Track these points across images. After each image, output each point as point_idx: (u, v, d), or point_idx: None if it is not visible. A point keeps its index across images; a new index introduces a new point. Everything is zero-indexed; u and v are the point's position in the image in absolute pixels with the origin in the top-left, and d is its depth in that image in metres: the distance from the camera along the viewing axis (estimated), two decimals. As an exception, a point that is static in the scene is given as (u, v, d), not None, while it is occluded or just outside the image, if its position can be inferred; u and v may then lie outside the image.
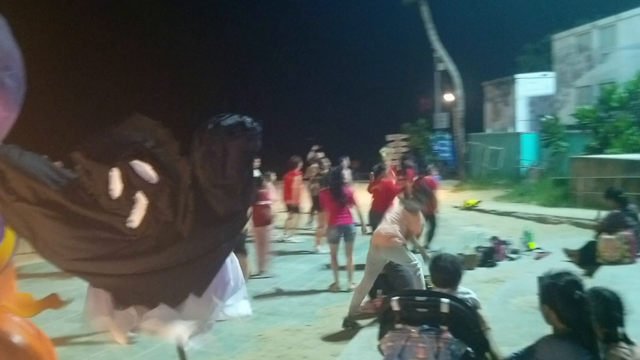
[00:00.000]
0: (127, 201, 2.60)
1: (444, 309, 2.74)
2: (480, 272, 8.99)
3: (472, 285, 8.12)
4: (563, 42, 23.66)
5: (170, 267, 2.75)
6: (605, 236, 7.86)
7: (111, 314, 2.82)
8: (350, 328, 6.66)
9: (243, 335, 6.58)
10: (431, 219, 11.21)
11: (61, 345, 6.11)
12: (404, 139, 26.99)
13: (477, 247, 9.71)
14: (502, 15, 34.00)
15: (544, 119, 21.97)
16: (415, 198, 7.32)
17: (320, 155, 14.45)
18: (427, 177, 11.72)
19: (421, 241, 11.21)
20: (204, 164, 2.67)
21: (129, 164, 2.60)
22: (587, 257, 8.23)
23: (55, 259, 2.75)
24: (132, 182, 2.60)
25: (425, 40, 26.69)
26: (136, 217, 2.60)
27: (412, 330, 2.71)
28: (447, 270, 3.60)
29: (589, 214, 14.04)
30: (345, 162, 13.41)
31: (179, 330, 2.95)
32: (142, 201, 2.61)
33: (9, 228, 2.77)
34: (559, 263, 8.80)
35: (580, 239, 11.21)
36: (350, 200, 9.04)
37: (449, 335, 2.69)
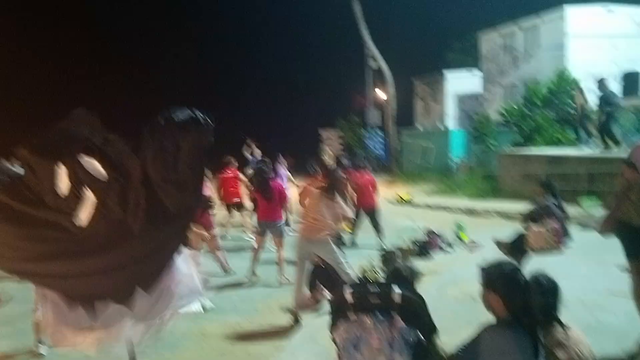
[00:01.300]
0: (74, 198, 2.54)
1: (396, 298, 2.82)
2: (417, 264, 9.19)
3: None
4: (489, 41, 24.49)
5: (120, 265, 2.70)
6: (534, 227, 8.22)
7: (63, 317, 2.74)
8: (293, 321, 6.70)
9: (184, 333, 6.49)
10: (371, 213, 11.41)
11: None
12: (340, 136, 27.29)
13: (413, 241, 9.94)
14: (431, 12, 34.71)
15: (475, 117, 22.67)
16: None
17: (258, 152, 14.40)
18: (360, 172, 11.89)
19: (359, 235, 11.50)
20: (155, 159, 2.64)
21: (77, 160, 2.54)
22: (517, 248, 8.58)
23: None
24: (80, 178, 2.54)
25: (358, 36, 27.01)
26: (83, 215, 2.54)
27: (367, 320, 2.78)
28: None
29: (516, 207, 14.72)
30: (282, 159, 13.46)
31: (128, 330, 2.91)
32: (89, 198, 2.56)
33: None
34: (490, 254, 9.16)
35: (508, 230, 11.72)
36: (280, 197, 9.09)
37: (401, 323, 2.77)
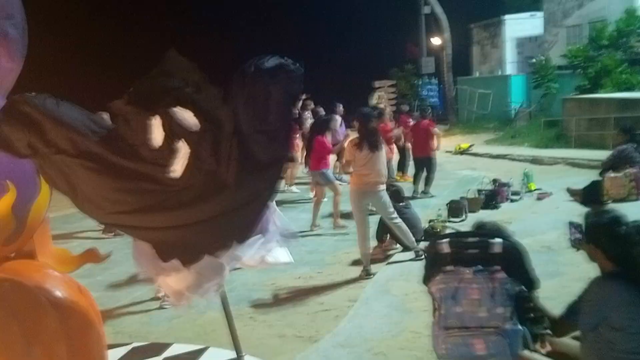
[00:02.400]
0: (169, 150, 2.49)
1: (496, 249, 2.70)
2: (484, 214, 9.00)
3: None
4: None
5: (214, 217, 2.66)
6: (611, 174, 7.88)
7: (156, 265, 2.75)
8: (364, 273, 6.68)
9: (256, 284, 6.57)
10: (427, 163, 11.23)
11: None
12: (391, 85, 26.76)
13: (479, 190, 9.73)
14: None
15: (533, 60, 21.81)
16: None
17: (311, 104, 14.26)
18: (424, 120, 11.68)
19: (420, 186, 11.35)
20: (246, 109, 2.55)
21: (170, 111, 2.48)
22: (591, 196, 8.27)
23: (96, 213, 2.65)
24: (173, 130, 2.48)
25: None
26: (178, 167, 2.49)
27: (466, 272, 2.67)
28: None
29: (584, 154, 14.23)
30: (339, 108, 13.29)
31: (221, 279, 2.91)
32: (183, 150, 2.50)
33: (47, 182, 2.65)
34: (562, 203, 8.88)
35: (577, 178, 11.32)
36: (320, 148, 9.41)
37: (502, 274, 2.65)
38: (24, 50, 3.07)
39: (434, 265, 2.81)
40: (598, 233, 2.83)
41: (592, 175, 11.50)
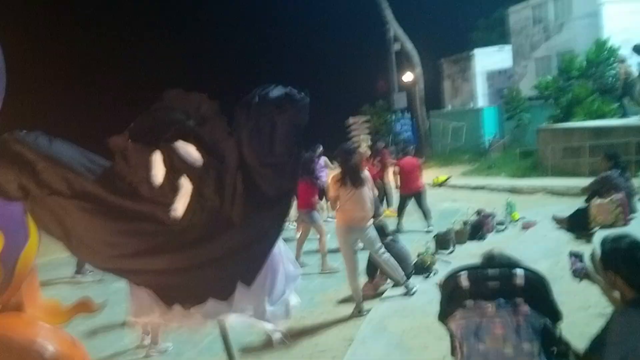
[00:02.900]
0: (171, 187, 2.33)
1: (519, 280, 2.57)
2: (472, 246, 8.94)
3: (468, 260, 8.09)
4: (518, 14, 23.91)
5: (219, 257, 2.49)
6: (598, 201, 7.87)
7: (155, 313, 2.56)
8: (357, 311, 6.50)
9: (245, 327, 6.31)
10: (419, 196, 11.23)
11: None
12: (365, 121, 26.91)
13: (465, 222, 9.66)
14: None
15: (505, 92, 22.19)
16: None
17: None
18: (410, 156, 11.71)
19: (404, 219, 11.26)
20: (251, 141, 2.42)
21: (172, 146, 2.33)
22: (577, 223, 8.25)
23: (93, 258, 2.46)
24: (175, 166, 2.33)
25: (374, 21, 26.55)
26: (180, 205, 2.33)
27: (488, 306, 2.53)
28: None
29: (561, 182, 14.33)
30: (320, 149, 13.24)
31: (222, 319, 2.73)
32: (186, 187, 2.34)
33: (37, 227, 2.46)
34: (548, 231, 8.83)
35: (559, 206, 11.34)
36: (306, 188, 9.20)
37: (526, 307, 2.52)
38: (2, 89, 2.90)
39: (451, 300, 2.66)
40: (619, 259, 2.71)
41: (572, 203, 11.57)
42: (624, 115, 15.83)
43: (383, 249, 6.83)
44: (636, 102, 15.33)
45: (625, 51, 15.92)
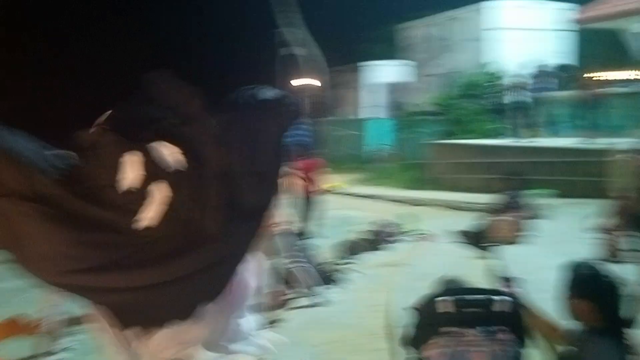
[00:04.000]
0: (142, 194, 1.96)
1: (499, 307, 2.44)
2: (373, 256, 8.97)
3: (371, 270, 8.11)
4: (410, 31, 24.71)
5: (190, 274, 2.14)
6: (498, 217, 8.14)
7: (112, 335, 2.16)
8: (269, 325, 6.22)
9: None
10: (312, 202, 11.09)
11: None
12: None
13: (367, 232, 9.69)
14: (346, 4, 34.61)
15: (399, 106, 22.85)
16: None
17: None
18: (306, 160, 11.58)
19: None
20: (235, 146, 2.10)
21: (149, 147, 1.96)
22: (476, 238, 8.47)
23: (46, 273, 2.02)
24: (150, 169, 1.96)
25: (267, 26, 26.32)
26: (148, 214, 1.97)
27: (469, 333, 2.38)
28: None
29: (450, 196, 14.88)
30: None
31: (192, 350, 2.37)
32: (158, 194, 1.98)
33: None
34: (446, 244, 9.04)
35: (449, 220, 11.74)
36: None
37: (508, 334, 2.40)
38: None
39: (427, 326, 2.48)
40: (595, 288, 2.67)
41: (463, 217, 11.97)
42: (508, 133, 16.80)
43: (292, 259, 6.63)
44: (514, 122, 16.24)
45: (515, 74, 16.85)
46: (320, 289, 6.89)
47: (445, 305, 2.44)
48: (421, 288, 6.51)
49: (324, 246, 9.42)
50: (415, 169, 19.39)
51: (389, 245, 9.64)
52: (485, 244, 8.13)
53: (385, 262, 8.56)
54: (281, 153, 2.30)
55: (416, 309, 2.59)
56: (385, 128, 24.86)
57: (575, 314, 2.73)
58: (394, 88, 26.87)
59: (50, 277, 2.03)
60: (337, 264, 7.83)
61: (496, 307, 2.44)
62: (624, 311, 2.72)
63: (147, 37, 37.38)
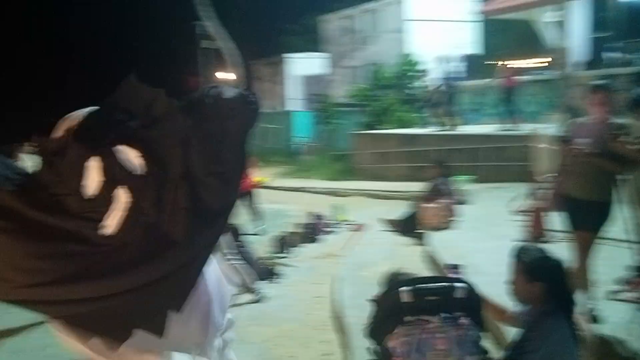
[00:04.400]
0: (104, 200, 1.90)
1: (459, 294, 2.54)
2: (308, 248, 9.03)
3: (308, 262, 8.17)
4: (331, 24, 24.89)
5: (153, 281, 2.09)
6: (426, 205, 8.40)
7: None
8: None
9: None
10: (250, 196, 11.07)
11: None
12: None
13: (299, 224, 9.74)
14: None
15: (318, 97, 23.00)
16: None
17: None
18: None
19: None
20: (199, 147, 2.07)
21: (111, 151, 1.90)
22: (407, 226, 8.74)
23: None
24: (113, 174, 1.91)
25: (186, 16, 25.83)
26: (112, 221, 1.92)
27: (432, 321, 2.47)
28: None
29: (375, 186, 15.17)
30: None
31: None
32: (121, 200, 1.93)
33: None
34: (378, 233, 9.24)
35: (379, 209, 11.98)
36: None
37: (466, 320, 2.50)
38: None
39: (390, 316, 2.55)
40: (550, 273, 2.82)
41: (391, 206, 12.29)
42: (426, 123, 17.33)
43: (233, 254, 6.57)
44: (432, 112, 16.79)
45: (432, 66, 17.36)
46: (262, 285, 6.88)
47: (408, 295, 2.52)
48: (360, 277, 6.70)
49: (259, 241, 9.42)
50: (340, 160, 19.62)
51: (322, 237, 9.73)
52: (417, 231, 8.43)
53: (321, 254, 8.63)
54: (245, 154, 2.29)
55: (378, 300, 2.65)
56: (309, 120, 25.02)
57: (525, 297, 2.88)
58: (316, 80, 27.03)
59: (6, 293, 1.93)
60: (274, 259, 7.84)
61: (457, 294, 2.55)
62: (569, 291, 2.91)
63: (68, 29, 35.85)
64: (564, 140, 4.62)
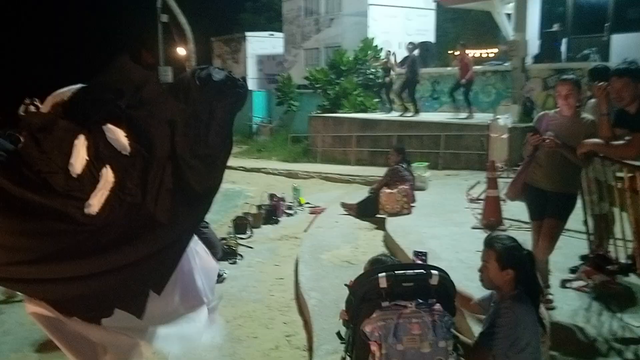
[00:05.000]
0: (90, 179, 1.90)
1: (434, 280, 2.63)
2: (268, 229, 9.06)
3: (269, 244, 8.21)
4: (291, 3, 24.65)
5: (135, 261, 2.11)
6: (387, 190, 8.52)
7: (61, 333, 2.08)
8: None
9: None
10: None
11: None
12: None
13: (259, 206, 9.74)
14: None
15: (278, 78, 22.83)
16: None
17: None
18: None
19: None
20: (186, 129, 2.09)
21: (99, 130, 1.90)
22: (366, 210, 8.86)
23: None
24: (100, 153, 1.91)
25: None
26: (96, 200, 1.93)
27: (406, 306, 2.55)
28: None
29: (332, 169, 15.27)
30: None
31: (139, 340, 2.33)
32: (107, 179, 1.94)
33: None
34: (338, 217, 9.32)
35: (336, 192, 12.09)
36: None
37: (439, 306, 2.60)
38: None
39: (366, 301, 2.62)
40: (520, 260, 2.94)
41: (347, 189, 12.43)
42: (384, 108, 17.49)
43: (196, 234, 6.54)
44: (389, 98, 16.98)
45: (389, 51, 17.46)
46: (223, 265, 6.89)
47: (384, 280, 2.59)
48: (320, 260, 6.77)
49: (218, 222, 9.40)
50: (299, 142, 19.62)
51: (281, 218, 9.77)
52: (375, 216, 8.55)
53: (280, 235, 8.68)
54: (231, 137, 2.31)
55: (355, 285, 2.72)
56: (267, 101, 24.87)
57: (496, 283, 3.01)
58: (276, 60, 26.82)
59: None
60: (235, 239, 7.83)
61: (431, 281, 2.64)
62: (536, 279, 3.05)
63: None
64: (531, 131, 4.75)
